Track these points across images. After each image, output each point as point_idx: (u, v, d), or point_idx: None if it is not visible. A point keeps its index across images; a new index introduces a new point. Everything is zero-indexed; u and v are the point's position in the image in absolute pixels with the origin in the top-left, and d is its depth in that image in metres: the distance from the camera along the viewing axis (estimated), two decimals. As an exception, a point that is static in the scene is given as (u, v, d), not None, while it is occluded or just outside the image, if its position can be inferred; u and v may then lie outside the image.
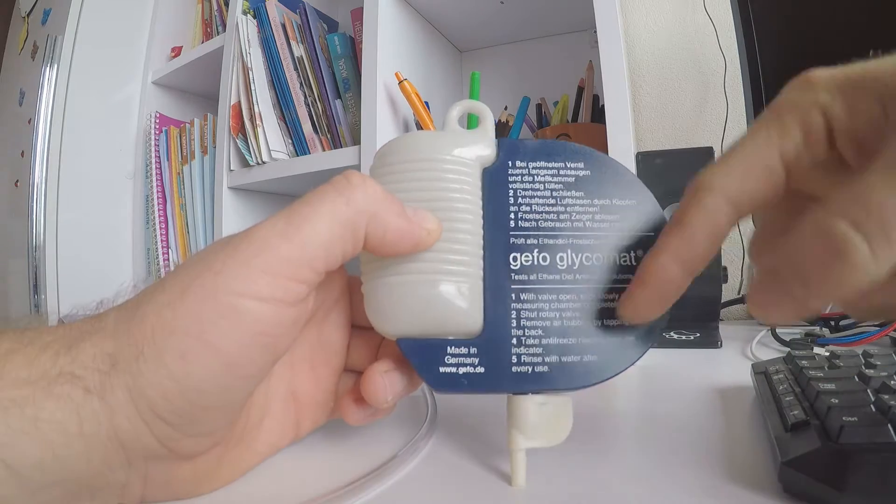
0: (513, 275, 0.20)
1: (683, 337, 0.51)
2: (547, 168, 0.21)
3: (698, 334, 0.51)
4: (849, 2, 0.48)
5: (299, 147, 0.73)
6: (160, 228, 0.91)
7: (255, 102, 0.72)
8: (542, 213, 0.21)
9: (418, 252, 0.20)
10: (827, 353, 0.29)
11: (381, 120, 0.60)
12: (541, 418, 0.20)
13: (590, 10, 0.48)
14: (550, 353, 0.20)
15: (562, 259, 0.20)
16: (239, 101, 0.75)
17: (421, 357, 0.20)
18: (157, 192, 0.93)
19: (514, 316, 0.20)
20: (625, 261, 0.21)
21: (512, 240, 0.21)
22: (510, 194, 0.21)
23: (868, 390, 0.22)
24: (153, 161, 0.94)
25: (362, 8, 0.63)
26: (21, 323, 0.19)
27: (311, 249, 0.18)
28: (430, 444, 0.26)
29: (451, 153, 0.21)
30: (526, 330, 0.20)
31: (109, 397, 0.16)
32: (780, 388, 0.26)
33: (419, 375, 0.20)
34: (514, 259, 0.20)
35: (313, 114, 0.72)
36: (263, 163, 0.72)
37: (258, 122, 0.72)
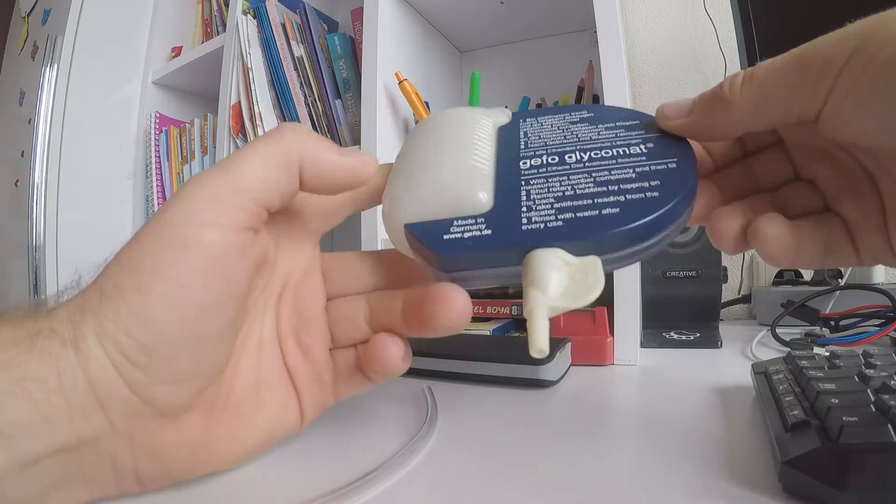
0: (522, 171, 0.21)
1: (683, 337, 0.51)
2: (553, 117, 0.23)
3: (698, 334, 0.51)
4: (849, 2, 0.48)
5: (299, 147, 0.73)
6: (160, 228, 0.91)
7: (255, 102, 0.72)
8: (549, 137, 0.22)
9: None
10: (827, 353, 0.29)
11: (381, 120, 0.60)
12: (561, 276, 0.17)
13: (590, 10, 0.48)
14: (565, 212, 0.19)
15: (570, 157, 0.21)
16: (239, 101, 0.75)
17: (426, 233, 0.20)
18: (157, 192, 0.93)
19: (523, 194, 0.20)
20: (635, 150, 0.20)
21: (521, 154, 0.22)
22: (521, 134, 0.23)
23: (868, 390, 0.22)
24: (153, 161, 0.94)
25: (362, 8, 0.63)
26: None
27: (246, 180, 0.19)
28: (430, 444, 0.26)
29: (469, 112, 0.24)
30: (536, 201, 0.19)
31: (82, 345, 0.17)
32: (780, 388, 0.26)
33: (424, 252, 0.20)
34: (524, 163, 0.21)
35: (313, 114, 0.72)
36: (263, 163, 0.72)
37: (258, 122, 0.72)
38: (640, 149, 0.20)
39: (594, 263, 0.18)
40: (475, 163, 0.21)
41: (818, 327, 0.53)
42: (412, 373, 0.40)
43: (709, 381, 0.35)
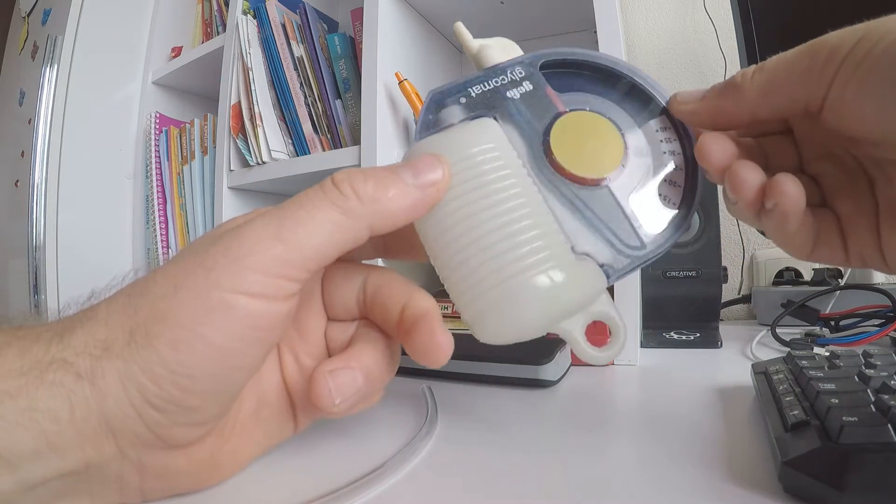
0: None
1: (683, 337, 0.51)
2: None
3: (698, 334, 0.51)
4: (849, 2, 0.48)
5: (299, 147, 0.73)
6: (160, 228, 0.91)
7: (255, 102, 0.72)
8: None
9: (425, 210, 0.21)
10: (827, 353, 0.29)
11: (381, 120, 0.60)
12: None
13: (590, 10, 0.48)
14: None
15: None
16: (239, 101, 0.75)
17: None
18: (157, 192, 0.93)
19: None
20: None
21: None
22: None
23: (868, 390, 0.22)
24: (153, 161, 0.94)
25: (362, 8, 0.63)
26: (17, 320, 0.19)
27: (305, 251, 0.18)
28: (430, 444, 0.26)
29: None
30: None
31: (100, 382, 0.17)
32: (780, 388, 0.26)
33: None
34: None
35: (313, 114, 0.72)
36: (263, 163, 0.72)
37: (258, 122, 0.72)
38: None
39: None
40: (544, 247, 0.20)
41: (818, 327, 0.53)
42: (412, 373, 0.40)
43: (709, 381, 0.35)
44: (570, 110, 0.23)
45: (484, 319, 0.20)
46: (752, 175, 0.20)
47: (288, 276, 0.18)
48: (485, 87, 0.23)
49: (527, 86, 0.23)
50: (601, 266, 0.21)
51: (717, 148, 0.21)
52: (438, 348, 0.20)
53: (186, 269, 0.18)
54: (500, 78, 0.23)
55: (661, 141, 0.23)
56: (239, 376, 0.19)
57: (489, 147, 0.21)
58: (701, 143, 0.21)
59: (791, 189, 0.19)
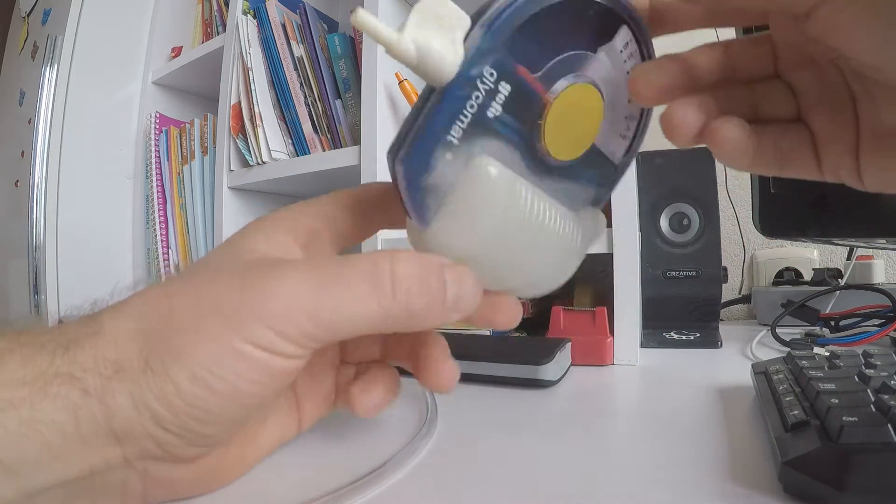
0: None
1: (683, 337, 0.51)
2: None
3: (698, 334, 0.51)
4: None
5: (299, 147, 0.73)
6: (160, 228, 0.91)
7: (255, 102, 0.72)
8: None
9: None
10: (827, 353, 0.29)
11: (381, 120, 0.60)
12: None
13: (590, 10, 0.48)
14: None
15: None
16: (239, 101, 0.75)
17: None
18: (157, 192, 0.93)
19: None
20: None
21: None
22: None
23: (868, 390, 0.22)
24: (153, 161, 0.94)
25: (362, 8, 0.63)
26: (19, 324, 0.19)
27: (332, 331, 0.18)
28: (430, 444, 0.26)
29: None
30: None
31: (110, 400, 0.16)
32: (780, 388, 0.26)
33: None
34: None
35: (313, 114, 0.72)
36: (263, 163, 0.72)
37: (258, 122, 0.72)
38: None
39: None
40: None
41: (818, 327, 0.53)
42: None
43: (709, 381, 0.35)
44: (551, 93, 0.20)
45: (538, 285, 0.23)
46: (689, 120, 0.19)
47: (308, 345, 0.18)
48: (462, 122, 0.18)
49: (503, 88, 0.19)
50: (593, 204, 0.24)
51: (651, 79, 0.19)
52: (442, 375, 0.23)
53: (205, 309, 0.18)
54: (475, 97, 0.18)
55: (625, 61, 0.21)
56: (254, 409, 0.19)
57: (503, 200, 0.20)
58: (632, 75, 0.19)
59: (729, 136, 0.18)
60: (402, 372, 0.41)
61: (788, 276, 0.67)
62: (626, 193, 0.44)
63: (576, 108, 0.21)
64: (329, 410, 0.26)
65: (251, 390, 0.18)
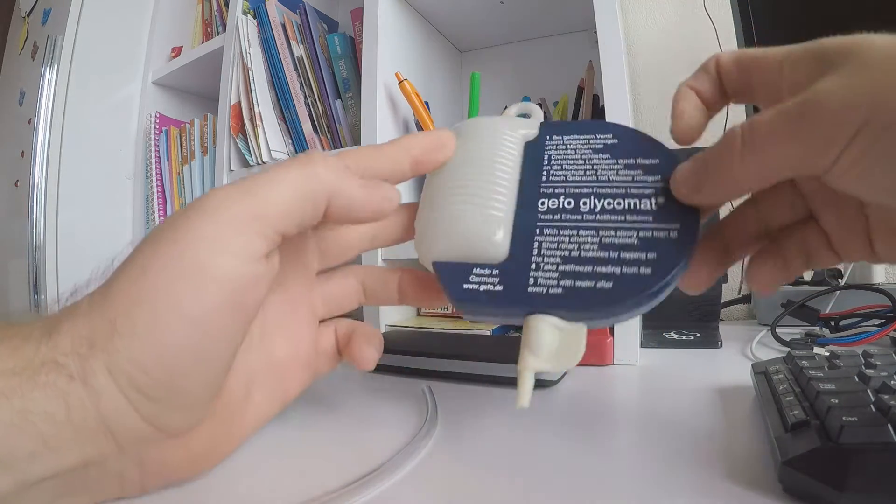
0: (539, 215, 0.22)
1: (683, 337, 0.51)
2: (579, 138, 0.24)
3: (698, 334, 0.51)
4: (849, 2, 0.48)
5: (299, 147, 0.73)
6: (160, 228, 0.91)
7: (255, 102, 0.72)
8: (571, 170, 0.23)
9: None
10: (827, 353, 0.29)
11: (381, 120, 0.60)
12: (552, 340, 0.20)
13: (590, 10, 0.48)
14: (566, 278, 0.20)
15: (584, 203, 0.22)
16: (239, 101, 0.75)
17: (450, 276, 0.22)
18: (157, 192, 0.93)
19: (535, 246, 0.21)
20: (645, 206, 0.21)
21: (542, 189, 0.23)
22: (545, 159, 0.24)
23: (868, 390, 0.22)
24: (153, 161, 0.94)
25: (362, 8, 0.63)
26: (12, 318, 0.19)
27: (273, 208, 0.19)
28: (430, 444, 0.26)
29: (498, 128, 0.25)
30: (545, 257, 0.21)
31: (91, 380, 0.16)
32: (780, 388, 0.26)
33: (445, 293, 0.22)
34: (542, 203, 0.23)
35: (313, 114, 0.72)
36: (263, 163, 0.72)
37: (258, 122, 0.72)
38: (650, 205, 0.21)
39: (581, 330, 0.20)
40: (494, 210, 0.22)
41: (818, 327, 0.53)
42: (412, 373, 0.40)
43: (709, 381, 0.35)
44: None
45: (426, 228, 0.24)
46: (706, 276, 0.21)
47: (258, 232, 0.18)
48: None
49: None
50: None
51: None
52: (362, 358, 0.25)
53: (155, 243, 0.18)
54: None
55: None
56: (223, 349, 0.19)
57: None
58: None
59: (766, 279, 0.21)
60: (402, 372, 0.41)
61: (788, 275, 0.67)
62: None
63: None
64: (311, 379, 0.26)
65: (211, 318, 0.18)
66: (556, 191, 0.23)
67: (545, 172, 0.24)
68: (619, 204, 0.21)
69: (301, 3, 0.76)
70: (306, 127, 0.72)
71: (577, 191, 0.22)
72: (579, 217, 0.22)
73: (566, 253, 0.21)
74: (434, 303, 0.26)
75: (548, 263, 0.21)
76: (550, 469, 0.23)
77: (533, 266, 0.21)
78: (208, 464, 0.22)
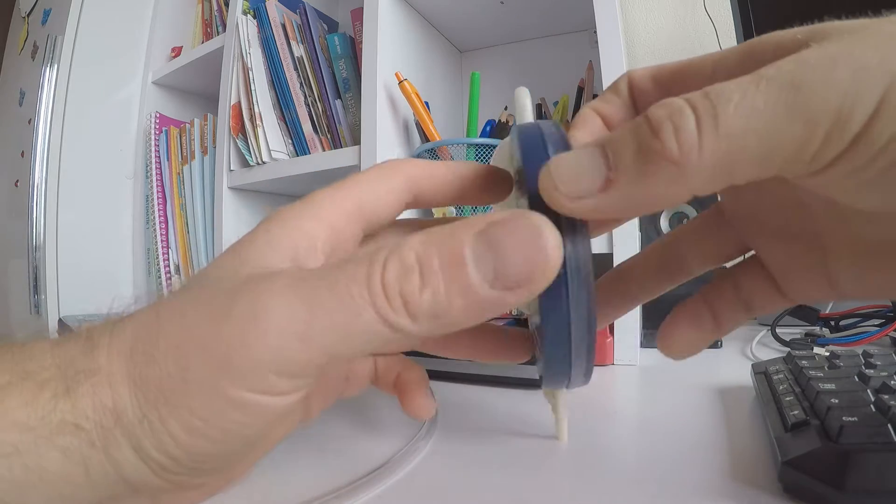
0: None
1: (683, 337, 0.51)
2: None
3: (698, 334, 0.51)
4: (849, 2, 0.48)
5: (299, 147, 0.73)
6: (160, 228, 0.91)
7: (255, 102, 0.72)
8: None
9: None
10: (827, 353, 0.29)
11: (381, 120, 0.60)
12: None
13: (590, 10, 0.48)
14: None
15: None
16: (239, 101, 0.75)
17: None
18: (157, 192, 0.93)
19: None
20: None
21: None
22: None
23: (868, 390, 0.22)
24: (153, 161, 0.94)
25: (362, 8, 0.63)
26: (19, 339, 0.18)
27: (332, 359, 0.16)
28: (430, 444, 0.26)
29: None
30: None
31: (115, 453, 0.16)
32: (780, 388, 0.26)
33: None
34: None
35: (313, 114, 0.72)
36: (263, 163, 0.72)
37: (258, 122, 0.72)
38: None
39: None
40: None
41: (818, 327, 0.53)
42: (412, 373, 0.40)
43: (709, 381, 0.35)
44: None
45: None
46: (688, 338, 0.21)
47: (308, 374, 0.16)
48: None
49: None
50: None
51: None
52: (422, 409, 0.24)
53: (189, 348, 0.15)
54: None
55: None
56: (258, 440, 0.18)
57: None
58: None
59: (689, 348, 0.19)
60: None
61: (788, 276, 0.67)
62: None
63: None
64: (334, 400, 0.25)
65: (252, 432, 0.17)
66: None
67: None
68: None
69: (301, 3, 0.76)
70: (306, 127, 0.72)
71: None
72: None
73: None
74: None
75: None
76: (550, 469, 0.23)
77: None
78: (222, 490, 0.22)
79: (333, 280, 0.15)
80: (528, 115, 0.21)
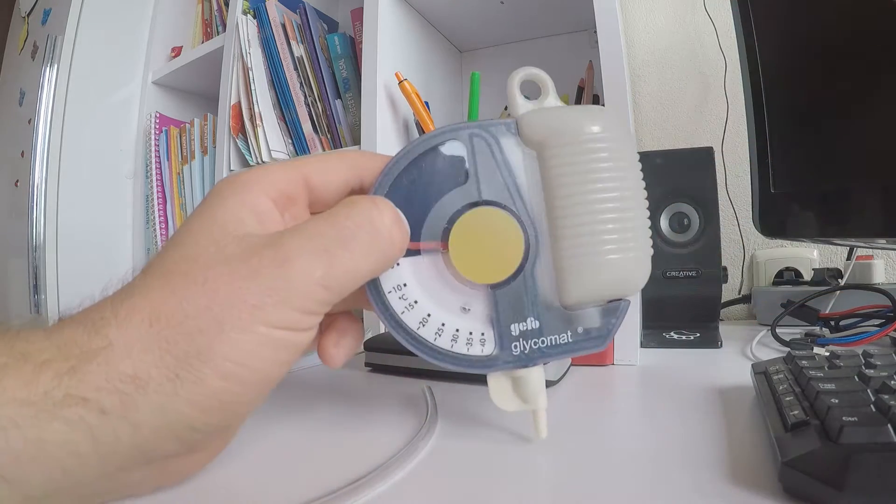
0: None
1: (683, 337, 0.51)
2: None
3: (698, 334, 0.51)
4: (849, 2, 0.48)
5: (299, 147, 0.73)
6: (160, 228, 0.91)
7: (255, 102, 0.72)
8: None
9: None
10: (827, 353, 0.29)
11: (381, 120, 0.60)
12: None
13: (590, 10, 0.48)
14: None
15: None
16: (239, 101, 0.75)
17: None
18: (157, 192, 0.93)
19: None
20: None
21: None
22: None
23: (868, 390, 0.22)
24: (153, 161, 0.94)
25: (362, 8, 0.63)
26: (16, 324, 0.19)
27: (344, 293, 0.20)
28: (430, 444, 0.26)
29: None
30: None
31: (133, 415, 0.16)
32: (780, 388, 0.26)
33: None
34: None
35: (313, 114, 0.72)
36: (263, 163, 0.72)
37: (258, 122, 0.72)
38: None
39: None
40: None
41: (818, 327, 0.53)
42: (412, 373, 0.40)
43: (709, 381, 0.35)
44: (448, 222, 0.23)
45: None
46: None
47: (322, 311, 0.20)
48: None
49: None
50: None
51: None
52: (327, 355, 0.24)
53: (223, 303, 0.18)
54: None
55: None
56: (270, 389, 0.20)
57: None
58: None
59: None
60: (402, 372, 0.41)
61: (788, 276, 0.67)
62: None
63: (479, 230, 0.23)
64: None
65: (279, 372, 0.19)
66: None
67: None
68: None
69: (301, 3, 0.76)
70: (306, 127, 0.72)
71: None
72: None
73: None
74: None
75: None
76: (550, 469, 0.23)
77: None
78: (210, 460, 0.22)
79: (339, 234, 0.20)
80: (515, 103, 0.26)
